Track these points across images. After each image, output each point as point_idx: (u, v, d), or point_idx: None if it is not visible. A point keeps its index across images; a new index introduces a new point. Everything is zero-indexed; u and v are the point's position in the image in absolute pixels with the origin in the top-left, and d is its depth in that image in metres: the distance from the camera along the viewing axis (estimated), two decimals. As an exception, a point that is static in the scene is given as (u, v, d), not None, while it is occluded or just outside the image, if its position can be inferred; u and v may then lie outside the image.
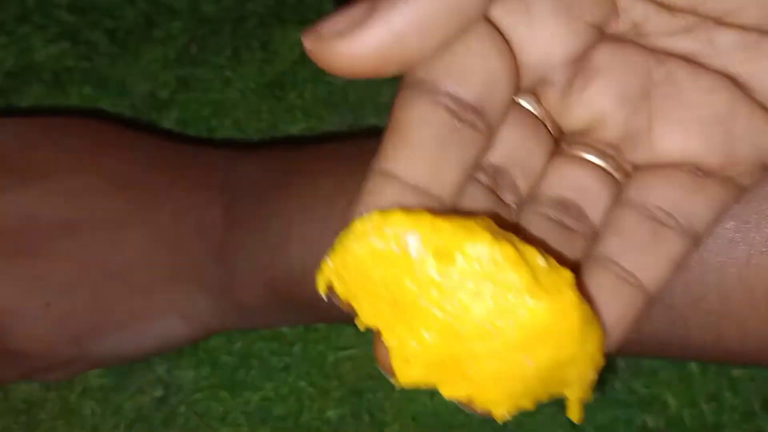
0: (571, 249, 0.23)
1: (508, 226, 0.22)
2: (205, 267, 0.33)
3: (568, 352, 0.20)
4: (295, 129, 0.41)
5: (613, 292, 0.23)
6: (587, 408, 0.35)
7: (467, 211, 0.22)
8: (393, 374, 0.21)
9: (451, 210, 0.21)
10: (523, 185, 0.24)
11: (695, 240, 0.23)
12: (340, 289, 0.21)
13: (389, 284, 0.20)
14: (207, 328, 0.34)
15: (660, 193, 0.23)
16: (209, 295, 0.33)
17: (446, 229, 0.20)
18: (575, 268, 0.23)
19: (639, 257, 0.23)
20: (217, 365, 0.36)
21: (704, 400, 0.35)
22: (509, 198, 0.23)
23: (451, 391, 0.21)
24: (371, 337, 0.36)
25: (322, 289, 0.21)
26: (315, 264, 0.30)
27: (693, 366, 0.35)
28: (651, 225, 0.23)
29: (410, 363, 0.21)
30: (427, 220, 0.20)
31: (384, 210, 0.20)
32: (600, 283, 0.23)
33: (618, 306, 0.23)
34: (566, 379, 0.21)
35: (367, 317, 0.21)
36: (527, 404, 0.21)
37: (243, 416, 0.35)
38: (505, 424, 0.34)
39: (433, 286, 0.20)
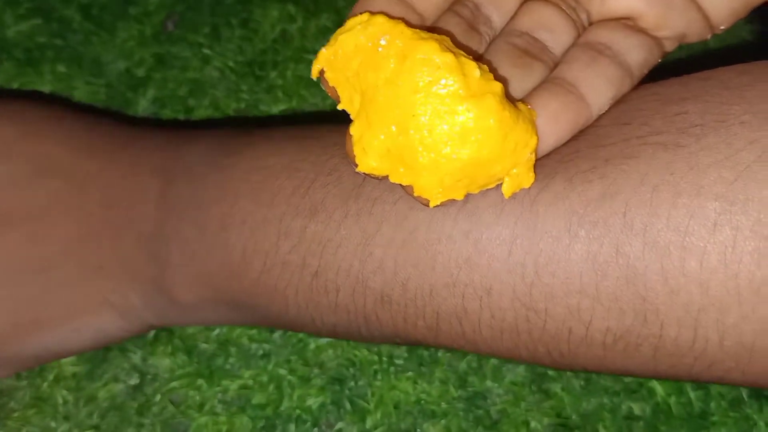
0: (531, 73, 0.27)
1: (471, 52, 0.27)
2: (135, 259, 0.32)
3: (490, 150, 0.24)
4: (276, 109, 0.40)
5: (551, 93, 0.26)
6: (573, 395, 0.34)
7: (438, 29, 0.27)
8: (354, 161, 0.25)
9: (427, 27, 0.27)
10: (497, 21, 0.28)
11: (629, 73, 0.28)
12: (329, 75, 0.26)
13: (360, 75, 0.24)
14: (145, 323, 0.33)
15: (601, 33, 0.28)
16: (141, 289, 0.32)
17: (409, 35, 0.24)
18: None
19: (578, 73, 0.27)
20: (193, 353, 0.35)
21: (691, 387, 0.34)
22: (484, 29, 0.28)
23: (397, 178, 0.25)
24: (353, 323, 0.35)
25: (314, 74, 0.26)
26: (256, 251, 0.29)
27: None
28: (591, 53, 0.27)
29: (366, 152, 0.25)
30: (399, 27, 0.24)
31: (372, 14, 0.25)
32: (543, 92, 0.26)
33: (555, 106, 0.26)
34: (494, 174, 0.25)
35: (344, 104, 0.26)
36: (457, 195, 0.25)
37: (221, 405, 0.34)
38: (488, 410, 0.34)
39: (388, 83, 0.24)
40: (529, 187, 0.27)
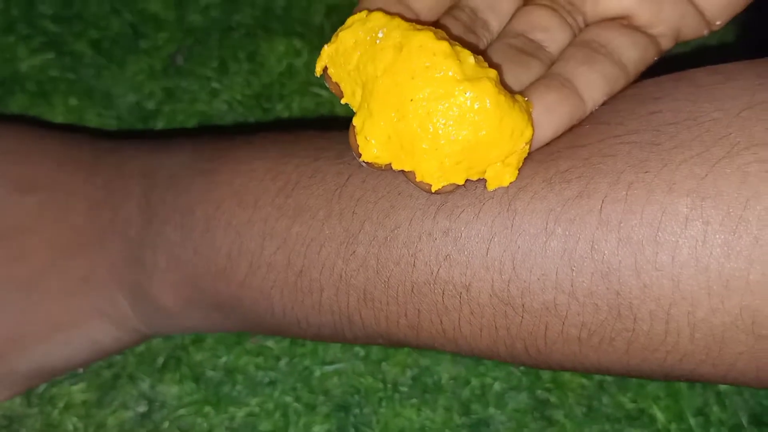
0: (527, 70, 0.28)
1: (468, 46, 0.28)
2: (122, 265, 0.32)
3: (486, 134, 0.25)
4: (282, 141, 0.41)
5: (547, 87, 0.27)
6: (575, 422, 0.34)
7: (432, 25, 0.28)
8: (358, 152, 0.26)
9: (423, 23, 0.27)
10: (495, 26, 0.29)
11: (624, 70, 0.28)
12: (331, 71, 0.26)
13: (360, 67, 0.25)
14: (137, 331, 0.33)
15: (597, 32, 0.29)
16: (129, 295, 0.32)
17: (405, 27, 0.25)
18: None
19: (574, 69, 0.27)
20: (201, 380, 0.35)
21: (692, 414, 0.35)
22: (481, 32, 0.29)
23: (399, 165, 0.26)
24: (358, 351, 0.36)
25: (318, 71, 0.27)
26: (241, 253, 0.30)
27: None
28: (587, 51, 0.28)
29: (369, 142, 0.25)
30: (396, 21, 0.25)
31: (371, 11, 0.26)
32: (539, 85, 0.27)
33: (551, 98, 0.27)
34: (491, 159, 0.25)
35: (347, 97, 0.26)
36: (457, 178, 0.26)
37: (228, 432, 0.35)
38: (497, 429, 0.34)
39: (386, 73, 0.25)
40: (508, 187, 0.27)
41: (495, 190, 0.28)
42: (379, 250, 0.29)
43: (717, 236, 0.26)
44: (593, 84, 0.27)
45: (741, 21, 0.38)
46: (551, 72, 0.28)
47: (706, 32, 0.30)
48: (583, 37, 0.29)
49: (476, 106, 0.24)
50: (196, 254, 0.31)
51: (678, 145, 0.27)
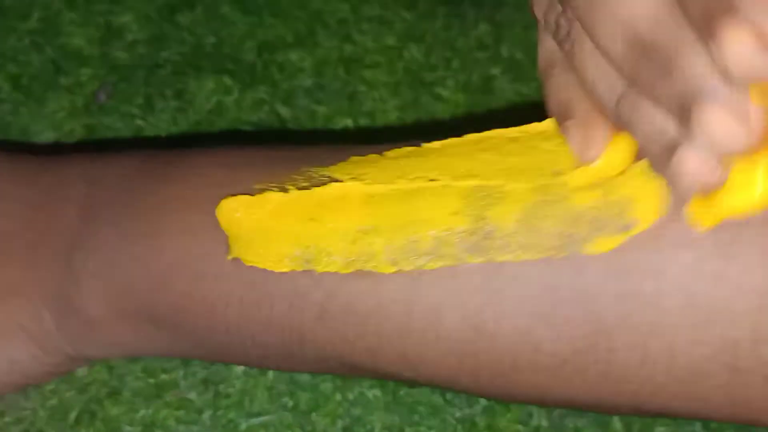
0: None
1: None
2: (50, 276, 0.30)
3: None
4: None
5: None
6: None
7: None
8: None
9: None
10: None
11: None
12: None
13: None
14: (61, 352, 0.31)
15: None
16: (54, 308, 0.30)
17: None
18: None
19: None
20: (116, 436, 0.33)
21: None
22: None
23: None
24: (285, 401, 0.34)
25: None
26: (187, 259, 0.28)
27: (617, 423, 0.34)
28: None
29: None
30: None
31: None
32: None
33: None
34: None
35: None
36: None
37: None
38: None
39: None
40: None
41: None
42: None
43: (706, 264, 0.25)
44: None
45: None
46: None
47: None
48: None
49: None
50: (134, 260, 0.29)
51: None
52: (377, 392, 0.34)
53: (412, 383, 0.32)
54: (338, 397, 0.34)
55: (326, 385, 0.34)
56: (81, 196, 0.31)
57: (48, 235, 0.31)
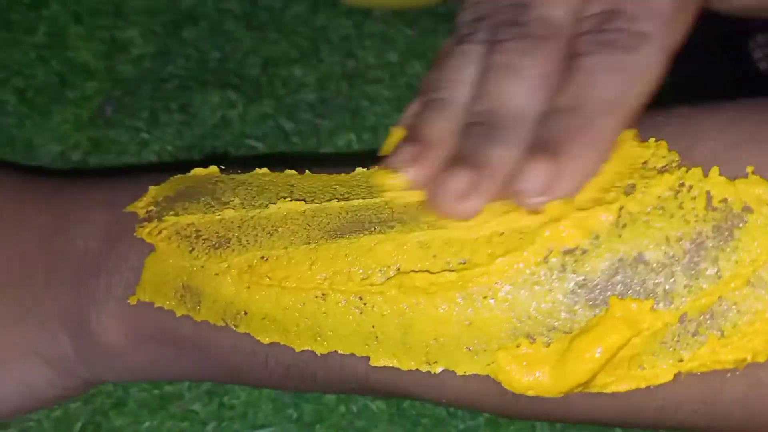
0: None
1: None
2: (69, 299, 0.30)
3: None
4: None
5: None
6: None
7: None
8: None
9: None
10: None
11: None
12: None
13: None
14: (77, 376, 0.31)
15: None
16: (72, 333, 0.30)
17: None
18: None
19: None
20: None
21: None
22: None
23: None
24: (290, 413, 0.34)
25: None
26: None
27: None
28: None
29: None
30: None
31: None
32: None
33: None
34: None
35: None
36: None
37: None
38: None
39: None
40: None
41: None
42: None
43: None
44: None
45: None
46: None
47: None
48: None
49: None
50: None
51: None
52: (381, 404, 0.34)
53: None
54: (342, 409, 0.34)
55: (330, 397, 0.34)
56: (103, 220, 0.31)
57: (67, 259, 0.30)
